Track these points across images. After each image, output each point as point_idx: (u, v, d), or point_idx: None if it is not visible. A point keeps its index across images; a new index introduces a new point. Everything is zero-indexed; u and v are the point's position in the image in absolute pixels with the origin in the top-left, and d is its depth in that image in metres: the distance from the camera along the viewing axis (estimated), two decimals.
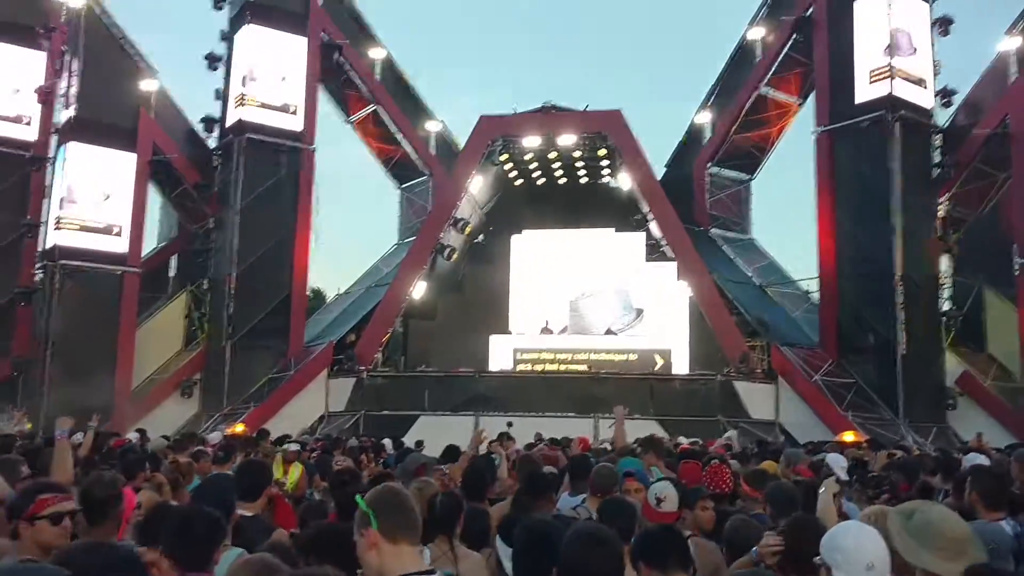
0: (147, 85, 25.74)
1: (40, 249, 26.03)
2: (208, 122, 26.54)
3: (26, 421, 19.10)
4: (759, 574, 2.76)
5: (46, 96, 27.48)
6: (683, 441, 11.12)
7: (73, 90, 25.04)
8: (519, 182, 28.06)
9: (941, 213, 23.29)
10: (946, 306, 23.20)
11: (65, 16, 27.02)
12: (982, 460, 8.59)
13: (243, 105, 24.91)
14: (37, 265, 26.25)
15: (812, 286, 25.08)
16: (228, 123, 25.70)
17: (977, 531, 3.44)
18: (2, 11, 27.18)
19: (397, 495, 2.83)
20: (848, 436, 17.32)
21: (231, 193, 24.66)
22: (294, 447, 9.23)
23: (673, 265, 24.62)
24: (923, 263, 22.23)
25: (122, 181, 24.81)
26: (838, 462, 7.80)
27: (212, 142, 26.69)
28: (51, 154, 26.70)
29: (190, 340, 26.39)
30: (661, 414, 19.82)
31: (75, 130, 24.51)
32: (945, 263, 23.67)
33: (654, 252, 25.72)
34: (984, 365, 22.70)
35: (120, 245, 24.64)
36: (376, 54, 28.58)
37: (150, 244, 27.80)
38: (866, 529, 2.80)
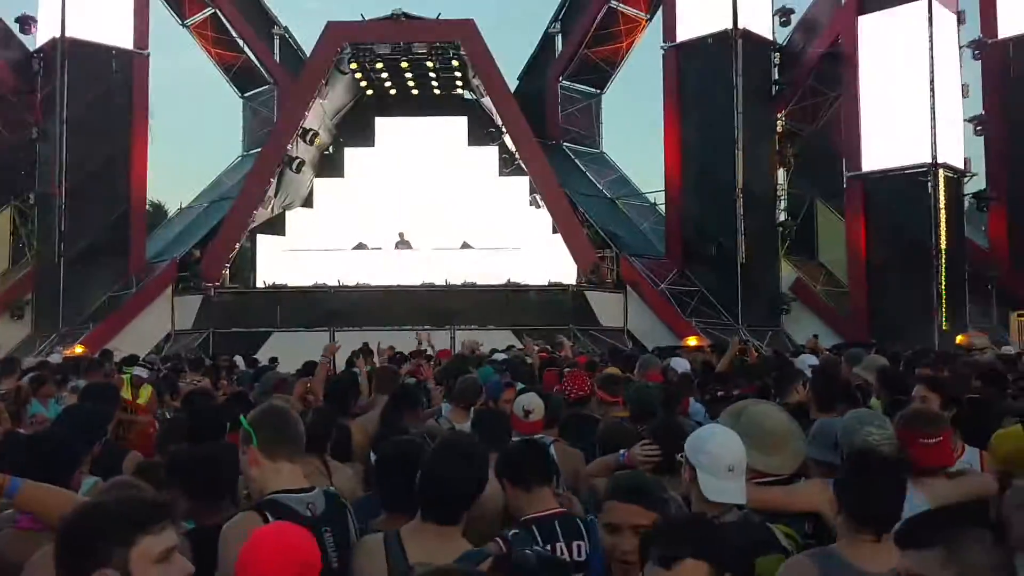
0: None
1: None
2: (24, 22, 24.24)
3: None
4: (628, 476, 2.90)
5: None
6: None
7: None
8: (370, 92, 27.35)
9: (778, 128, 24.41)
10: (781, 217, 24.56)
11: None
12: (812, 361, 9.31)
13: (65, 5, 22.85)
14: None
15: (659, 199, 25.97)
16: (48, 23, 23.54)
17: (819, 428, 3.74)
18: None
19: (278, 414, 2.87)
20: (692, 341, 18.28)
21: (56, 101, 22.77)
22: (139, 371, 8.84)
23: (526, 179, 24.86)
24: (762, 176, 23.39)
25: None
26: (681, 366, 8.25)
27: (32, 44, 24.44)
28: None
29: (18, 258, 24.61)
30: (515, 324, 20.21)
31: None
32: (781, 176, 24.95)
33: (508, 165, 25.86)
34: (815, 273, 24.37)
35: None
36: None
37: None
38: (729, 433, 2.97)
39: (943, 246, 21.34)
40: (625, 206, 26.55)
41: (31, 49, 24.36)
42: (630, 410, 4.95)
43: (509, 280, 22.56)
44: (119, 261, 23.47)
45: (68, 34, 22.81)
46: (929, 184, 21.61)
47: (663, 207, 25.40)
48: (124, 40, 23.70)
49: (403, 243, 24.75)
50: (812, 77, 24.10)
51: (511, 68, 27.67)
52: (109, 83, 23.40)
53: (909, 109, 21.86)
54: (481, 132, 26.67)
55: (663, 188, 24.84)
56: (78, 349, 18.41)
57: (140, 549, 1.82)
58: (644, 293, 22.68)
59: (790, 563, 2.43)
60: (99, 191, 22.98)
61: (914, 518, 1.86)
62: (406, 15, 24.59)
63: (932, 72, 21.56)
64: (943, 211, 21.57)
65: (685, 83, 23.76)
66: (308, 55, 26.05)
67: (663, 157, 24.25)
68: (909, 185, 21.91)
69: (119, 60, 23.59)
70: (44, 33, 23.81)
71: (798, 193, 24.98)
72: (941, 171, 21.68)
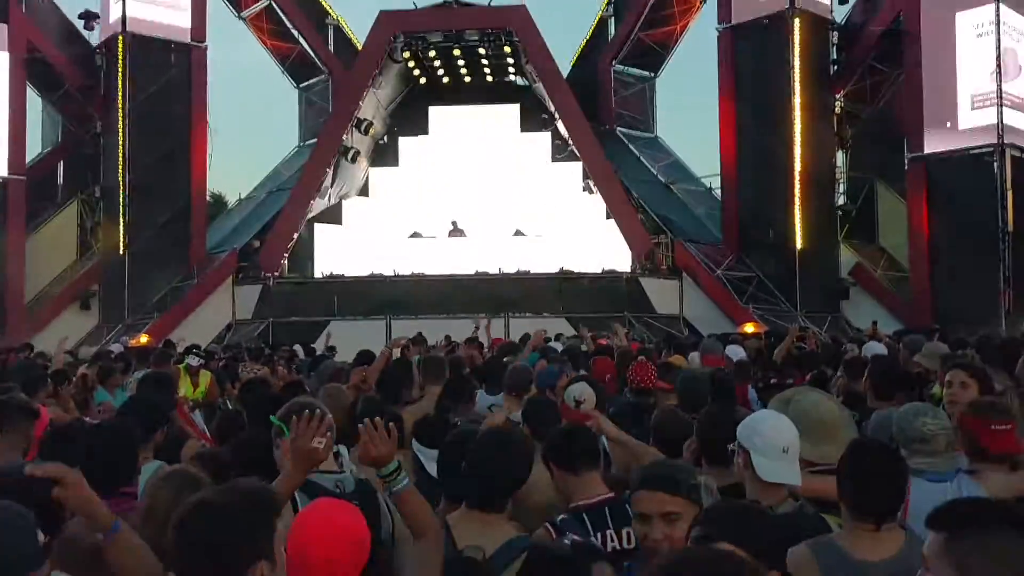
0: None
1: None
2: (87, 17, 24.85)
3: None
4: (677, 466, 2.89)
5: None
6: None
7: None
8: (423, 80, 27.44)
9: (837, 109, 23.86)
10: (840, 200, 24.03)
11: None
12: (879, 348, 9.08)
13: (126, 1, 23.35)
14: None
15: (715, 183, 25.61)
16: (110, 19, 24.12)
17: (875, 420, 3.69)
18: None
19: (306, 405, 2.93)
20: (749, 328, 18.03)
21: (118, 94, 23.32)
22: (194, 360, 9.05)
23: (579, 164, 24.75)
24: (820, 159, 22.88)
25: None
26: (736, 353, 8.15)
27: (94, 39, 25.05)
28: None
29: (85, 250, 25.34)
30: (569, 312, 20.17)
31: None
32: (840, 158, 24.42)
33: (561, 151, 25.76)
34: (875, 257, 23.81)
35: (0, 152, 23.16)
36: None
37: (34, 150, 26.20)
38: (781, 416, 2.96)
39: (1010, 228, 20.67)
40: (680, 191, 26.23)
41: (93, 44, 24.99)
42: (680, 399, 4.91)
43: (563, 268, 22.51)
44: (181, 252, 24.00)
45: (129, 29, 23.32)
46: (995, 165, 20.93)
47: (719, 192, 25.05)
48: (183, 33, 24.17)
49: (456, 231, 24.88)
50: (872, 56, 23.46)
51: (563, 53, 27.57)
52: (169, 76, 23.88)
53: (973, 88, 21.19)
54: (534, 118, 26.60)
55: (719, 172, 24.47)
56: (143, 339, 18.91)
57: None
58: (700, 279, 22.42)
59: (791, 552, 2.41)
60: (161, 183, 23.50)
61: (955, 502, 1.82)
62: (458, 2, 24.65)
63: (999, 50, 20.86)
64: (1010, 192, 20.87)
65: (741, 65, 23.35)
66: (361, 45, 26.21)
67: (718, 141, 23.89)
68: (974, 166, 21.25)
69: (178, 53, 24.07)
70: (106, 28, 24.41)
71: (858, 176, 24.43)
72: (1008, 151, 20.97)
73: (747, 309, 21.21)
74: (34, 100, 25.28)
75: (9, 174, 23.17)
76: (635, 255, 22.82)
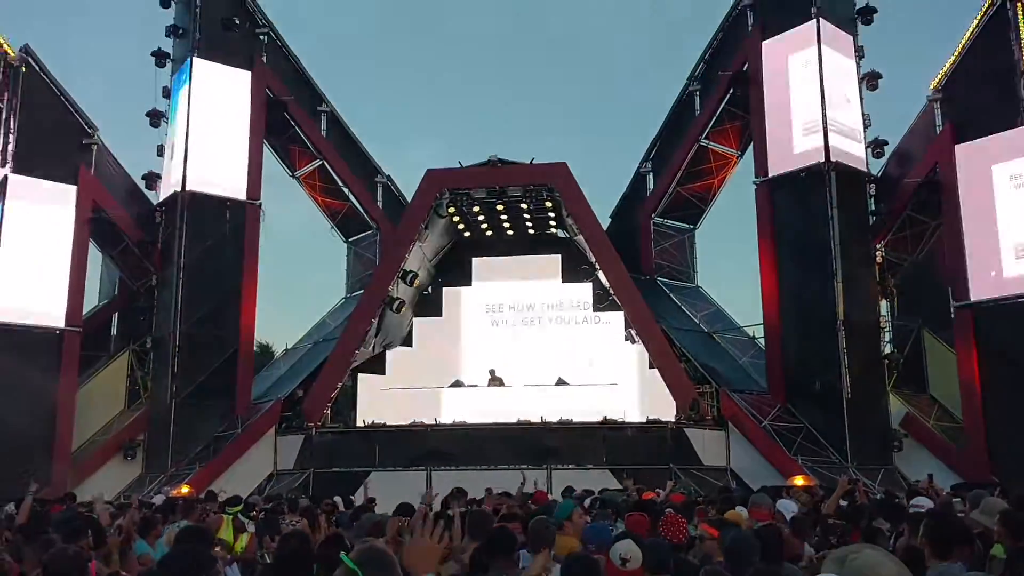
0: (88, 141, 25.39)
1: None
2: (150, 178, 26.24)
3: None
4: None
5: None
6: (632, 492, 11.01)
7: (11, 147, 24.57)
8: (467, 233, 28.21)
9: (879, 259, 23.93)
10: (887, 349, 23.73)
11: (1, 73, 26.68)
12: (925, 503, 8.78)
13: (186, 161, 24.69)
14: None
15: (758, 332, 25.51)
16: (171, 179, 25.46)
17: None
18: None
19: (382, 553, 3.03)
20: (798, 480, 17.52)
21: (175, 250, 24.31)
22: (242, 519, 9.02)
23: (621, 314, 24.91)
24: (864, 308, 22.79)
25: (62, 239, 24.27)
26: (788, 508, 7.90)
27: (155, 198, 26.35)
28: None
29: (133, 400, 25.74)
30: (613, 463, 19.82)
31: (13, 188, 23.99)
32: (884, 307, 24.28)
33: (602, 302, 26.00)
34: (926, 407, 23.24)
35: (59, 304, 23.98)
36: (322, 109, 28.66)
37: (91, 302, 27.15)
38: None
39: None
40: (723, 340, 26.16)
41: (154, 203, 26.25)
42: (726, 559, 4.74)
43: (606, 417, 22.27)
44: (226, 402, 24.26)
45: (188, 188, 24.51)
46: None
47: (762, 340, 24.91)
48: (238, 191, 25.32)
49: (495, 380, 24.88)
50: (910, 207, 23.72)
51: (603, 206, 28.29)
52: (223, 232, 24.88)
53: (1015, 239, 21.21)
54: (575, 269, 27.06)
55: (761, 321, 24.41)
56: (184, 489, 18.88)
57: None
58: (747, 430, 21.99)
59: None
60: (210, 334, 24.07)
61: None
62: (501, 161, 25.58)
63: None
64: None
65: (779, 216, 23.71)
66: (409, 201, 27.16)
67: (760, 290, 23.98)
68: (1022, 314, 20.98)
69: (233, 210, 25.15)
70: (166, 187, 25.68)
71: (904, 325, 24.21)
72: None
73: (796, 460, 20.67)
74: (94, 254, 26.39)
75: (66, 325, 23.90)
76: (679, 405, 22.53)
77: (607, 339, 25.66)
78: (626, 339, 25.49)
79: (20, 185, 23.92)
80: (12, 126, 24.48)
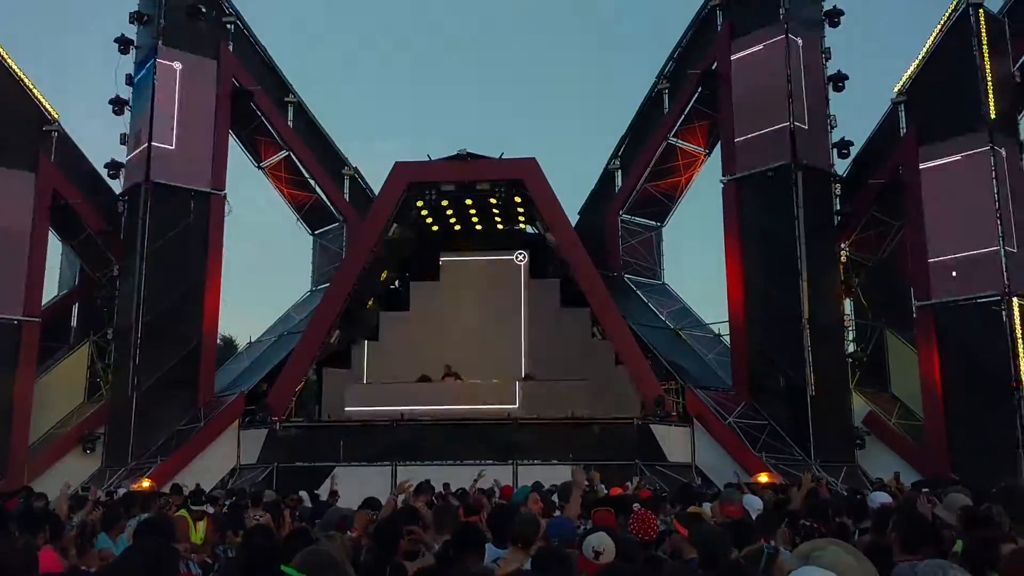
0: (48, 128, 24.89)
1: None
2: (113, 167, 25.79)
3: None
4: None
5: None
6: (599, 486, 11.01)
7: None
8: (435, 227, 28.08)
9: (843, 258, 24.21)
10: (850, 348, 24.03)
11: None
12: (885, 499, 8.89)
13: (150, 150, 24.29)
14: None
15: (724, 329, 25.73)
16: (134, 168, 25.03)
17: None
18: None
19: (326, 557, 2.93)
20: (763, 477, 17.66)
21: (137, 240, 23.91)
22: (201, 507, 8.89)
23: (588, 311, 24.95)
24: (828, 306, 23.06)
25: (21, 228, 23.78)
26: (754, 504, 7.94)
27: (118, 187, 25.90)
28: None
29: (93, 392, 25.31)
30: (580, 459, 19.83)
31: None
32: (848, 306, 24.57)
33: (570, 298, 26.01)
34: (888, 405, 23.58)
35: (17, 295, 23.51)
36: (289, 100, 28.36)
37: (51, 292, 26.64)
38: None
39: (1023, 379, 20.53)
40: (689, 337, 26.34)
41: (117, 192, 25.80)
42: (699, 554, 4.74)
43: (572, 413, 22.29)
44: (189, 395, 23.93)
45: (152, 177, 24.10)
46: (1004, 314, 21.03)
47: (728, 338, 25.11)
48: (203, 182, 24.96)
49: (450, 374, 24.67)
50: (875, 207, 24.05)
51: (571, 202, 28.30)
52: (187, 223, 24.52)
53: (976, 238, 21.56)
54: (543, 265, 27.06)
55: (727, 319, 24.61)
56: (145, 483, 18.60)
57: None
58: (711, 427, 22.15)
59: None
60: (173, 326, 23.72)
61: None
62: (471, 155, 25.48)
63: (997, 200, 21.35)
64: (1020, 341, 20.85)
65: (746, 215, 23.90)
66: (376, 193, 26.98)
67: (726, 288, 24.17)
68: (983, 314, 21.34)
69: (197, 201, 24.79)
70: (129, 177, 25.24)
71: (867, 324, 24.53)
72: (1015, 300, 21.09)
73: (760, 457, 20.85)
74: (54, 243, 25.91)
75: (24, 316, 23.42)
76: (645, 401, 22.64)
77: (574, 335, 25.69)
78: (593, 336, 25.55)
79: None
80: None
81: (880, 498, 8.86)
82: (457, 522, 6.17)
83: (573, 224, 26.14)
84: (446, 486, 11.67)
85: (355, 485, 13.83)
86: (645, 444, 21.59)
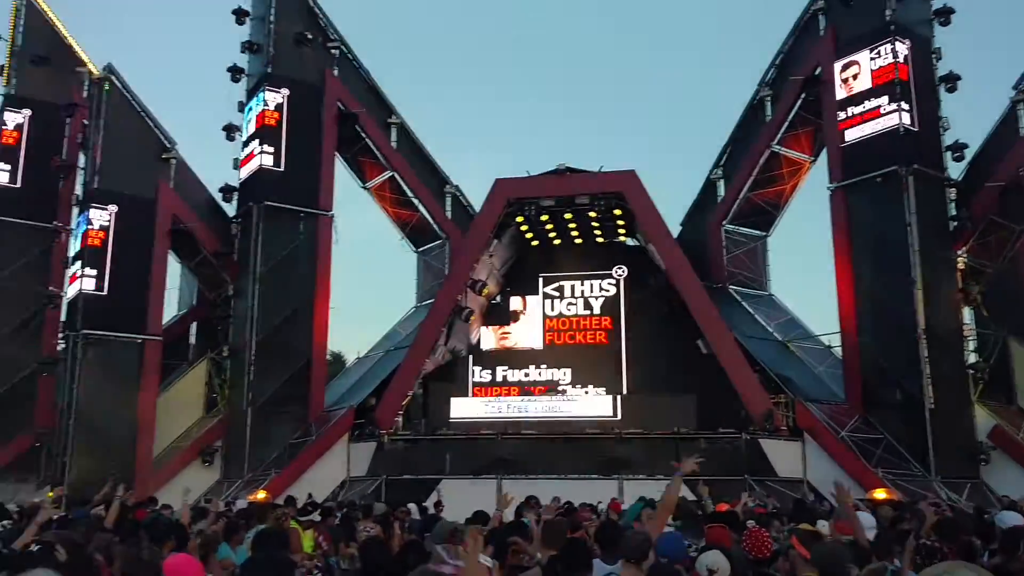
0: (167, 156, 26.22)
1: (62, 319, 26.31)
2: (227, 191, 26.93)
3: (50, 492, 19.06)
4: None
5: (68, 169, 28.07)
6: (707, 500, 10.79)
7: (95, 163, 25.52)
8: (535, 242, 28.18)
9: (960, 265, 23.16)
10: (971, 359, 22.92)
11: (87, 91, 27.83)
12: (1016, 519, 8.36)
13: (261, 175, 25.26)
14: (59, 335, 26.50)
15: (835, 341, 24.89)
16: (246, 192, 26.06)
17: None
18: (27, 88, 28.16)
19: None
20: (879, 493, 17.00)
21: (250, 261, 24.88)
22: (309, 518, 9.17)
23: (691, 323, 24.55)
24: (946, 315, 22.06)
25: (143, 251, 25.09)
26: (867, 521, 7.62)
27: (231, 210, 27.02)
28: (72, 226, 27.16)
29: (211, 407, 26.40)
30: (686, 474, 19.48)
31: (96, 201, 24.89)
32: (968, 315, 23.47)
33: (674, 310, 25.62)
34: (1015, 418, 22.34)
35: (141, 314, 24.78)
36: (392, 121, 29.02)
37: (171, 312, 27.99)
38: None
39: None
40: (798, 349, 25.60)
41: (230, 216, 26.93)
42: (818, 573, 4.59)
43: (678, 428, 21.96)
44: (300, 409, 24.70)
45: (263, 200, 25.05)
46: None
47: (839, 350, 24.29)
48: (311, 203, 25.78)
49: (556, 391, 24.70)
50: (994, 211, 22.91)
51: (672, 213, 27.99)
52: (296, 243, 25.36)
53: None
54: (644, 278, 26.80)
55: (838, 330, 23.81)
56: (260, 495, 19.22)
57: None
58: (823, 441, 21.46)
59: None
60: (284, 343, 24.56)
61: None
62: (570, 169, 25.50)
63: None
64: None
65: (855, 222, 23.11)
66: (478, 210, 27.29)
67: (836, 298, 23.41)
68: None
69: (306, 222, 25.63)
70: (242, 200, 26.30)
71: (989, 333, 23.36)
72: None
73: (876, 473, 20.07)
74: (173, 265, 27.24)
75: (147, 335, 24.66)
76: (753, 415, 22.12)
77: (678, 348, 25.33)
78: (697, 348, 25.13)
79: (103, 198, 24.82)
80: (97, 142, 25.45)
81: (1010, 518, 8.36)
82: (565, 538, 6.15)
83: (675, 236, 25.82)
84: (556, 499, 11.63)
85: (460, 498, 13.99)
86: (754, 459, 21.09)
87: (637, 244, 27.49)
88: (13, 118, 28.30)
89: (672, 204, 36.42)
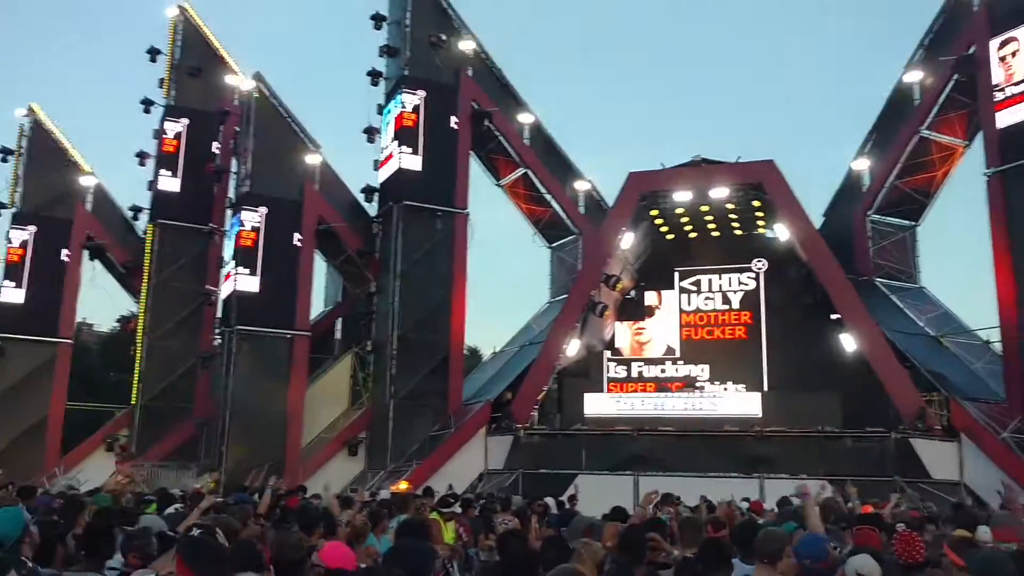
0: (312, 159, 27.39)
1: (218, 316, 27.93)
2: (368, 191, 27.87)
3: (209, 479, 20.28)
4: None
5: (221, 174, 29.74)
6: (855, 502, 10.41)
7: (246, 167, 26.94)
8: (670, 236, 27.83)
9: None
10: None
11: (238, 99, 29.41)
12: None
13: (400, 175, 25.99)
14: (216, 331, 28.16)
15: (994, 335, 23.39)
16: (385, 192, 26.90)
17: None
18: (184, 98, 30.06)
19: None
20: None
21: (391, 259, 25.69)
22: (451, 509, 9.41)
23: (835, 317, 23.67)
24: None
25: (291, 250, 26.31)
26: None
27: (372, 210, 27.96)
28: (226, 227, 28.77)
29: (355, 399, 27.44)
30: (831, 473, 18.82)
31: (247, 204, 26.25)
32: None
33: (819, 304, 24.78)
34: None
35: (290, 310, 26.03)
36: (524, 118, 29.26)
37: (318, 309, 29.27)
38: None
39: None
40: (952, 344, 24.21)
41: (371, 215, 27.88)
42: None
43: (822, 426, 21.22)
44: (439, 403, 25.32)
45: (402, 200, 25.81)
46: None
47: (998, 345, 22.82)
48: (448, 202, 26.34)
49: (691, 385, 24.34)
50: None
51: (814, 204, 27.02)
52: (435, 241, 25.99)
53: None
54: (785, 271, 26.03)
55: (998, 324, 22.36)
56: (402, 485, 19.81)
57: None
58: (982, 442, 20.22)
59: None
60: (424, 338, 25.23)
61: None
62: (705, 160, 25.04)
63: None
64: None
65: (1015, 209, 21.62)
66: (611, 205, 27.18)
67: (994, 290, 21.98)
68: None
69: (443, 220, 26.21)
70: (382, 200, 27.17)
71: None
72: None
73: None
74: (319, 263, 28.48)
75: (296, 330, 25.88)
76: (904, 414, 21.10)
77: (821, 344, 24.47)
78: (844, 344, 24.19)
79: (254, 201, 26.18)
80: (247, 147, 26.86)
81: None
82: (703, 536, 6.09)
83: (817, 227, 24.92)
84: (703, 498, 11.50)
85: (596, 493, 14.02)
86: (905, 459, 20.11)
87: (777, 236, 26.69)
88: (173, 127, 30.22)
89: (814, 194, 35.10)
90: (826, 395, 22.53)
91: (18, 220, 30.09)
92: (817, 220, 25.80)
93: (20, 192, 30.46)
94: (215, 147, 30.53)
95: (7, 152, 30.63)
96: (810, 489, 6.58)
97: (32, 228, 29.98)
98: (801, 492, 6.49)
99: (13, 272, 29.60)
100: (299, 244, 26.43)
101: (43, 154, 30.79)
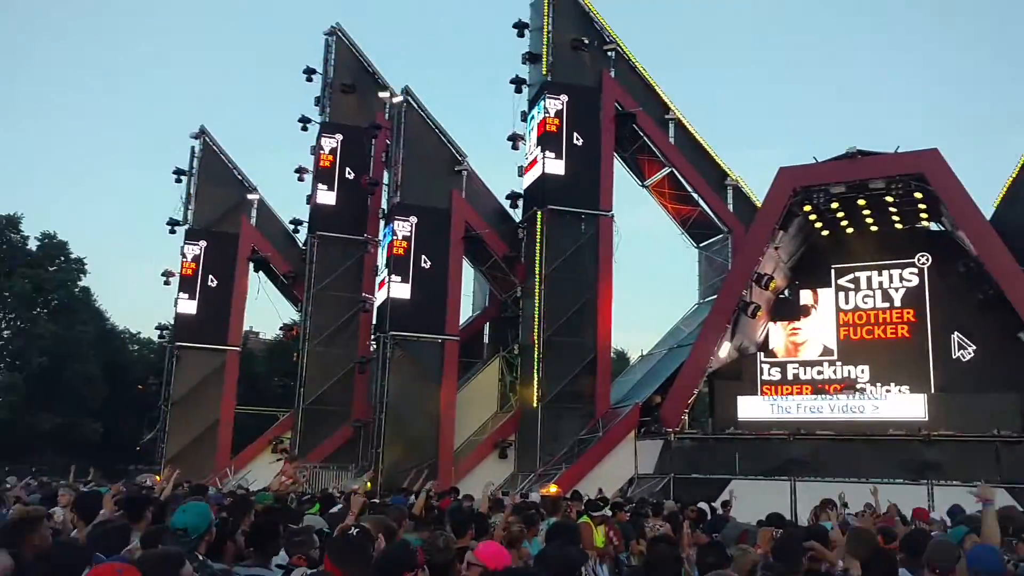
0: (459, 168, 28.01)
1: (373, 322, 28.99)
2: (513, 197, 28.22)
3: (366, 482, 21.05)
4: None
5: (374, 186, 30.84)
6: None
7: (396, 178, 27.83)
8: (825, 232, 26.69)
9: None
10: None
11: (388, 113, 30.46)
12: None
13: (544, 180, 26.15)
14: (371, 336, 29.24)
15: None
16: (530, 197, 27.14)
17: None
18: (338, 115, 31.40)
19: None
20: None
21: (536, 263, 25.89)
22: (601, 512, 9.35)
23: (1011, 314, 22.06)
24: None
25: (440, 258, 26.99)
26: None
27: (517, 216, 28.30)
28: (379, 237, 29.81)
29: (504, 402, 27.81)
30: (1012, 481, 17.57)
31: (399, 214, 27.10)
32: None
33: (986, 298, 23.20)
34: None
35: (440, 316, 26.69)
36: (669, 117, 28.81)
37: (467, 313, 29.91)
38: None
39: None
40: None
41: (516, 220, 28.24)
42: None
43: (998, 431, 19.82)
44: (587, 406, 25.28)
45: (546, 204, 25.97)
46: None
47: None
48: (592, 204, 26.30)
49: (852, 388, 23.21)
50: None
51: (985, 193, 25.31)
52: (579, 244, 26.00)
53: None
54: (952, 266, 24.46)
55: None
56: (552, 489, 19.90)
57: None
58: None
59: None
60: (571, 341, 25.27)
61: None
62: (861, 152, 23.90)
63: None
64: None
65: None
66: (761, 202, 26.38)
67: None
68: None
69: (588, 223, 26.18)
70: (526, 205, 27.45)
71: None
72: None
73: None
74: (467, 269, 29.09)
75: (447, 335, 26.53)
76: None
77: (995, 342, 22.87)
78: (1020, 341, 22.51)
79: (405, 211, 27.01)
80: (398, 159, 27.75)
81: None
82: (873, 548, 5.78)
83: (988, 218, 23.30)
84: (868, 506, 11.00)
85: (751, 499, 13.64)
86: None
87: (942, 229, 25.17)
88: (328, 143, 31.57)
89: (983, 184, 32.90)
90: (1001, 396, 21.04)
91: (191, 236, 32.31)
92: (987, 211, 24.12)
93: (192, 210, 32.70)
94: (369, 160, 31.72)
95: (181, 173, 32.98)
96: (992, 494, 6.09)
97: (203, 243, 32.11)
98: (982, 496, 6.00)
99: (187, 285, 31.77)
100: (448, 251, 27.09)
101: (212, 173, 32.92)
